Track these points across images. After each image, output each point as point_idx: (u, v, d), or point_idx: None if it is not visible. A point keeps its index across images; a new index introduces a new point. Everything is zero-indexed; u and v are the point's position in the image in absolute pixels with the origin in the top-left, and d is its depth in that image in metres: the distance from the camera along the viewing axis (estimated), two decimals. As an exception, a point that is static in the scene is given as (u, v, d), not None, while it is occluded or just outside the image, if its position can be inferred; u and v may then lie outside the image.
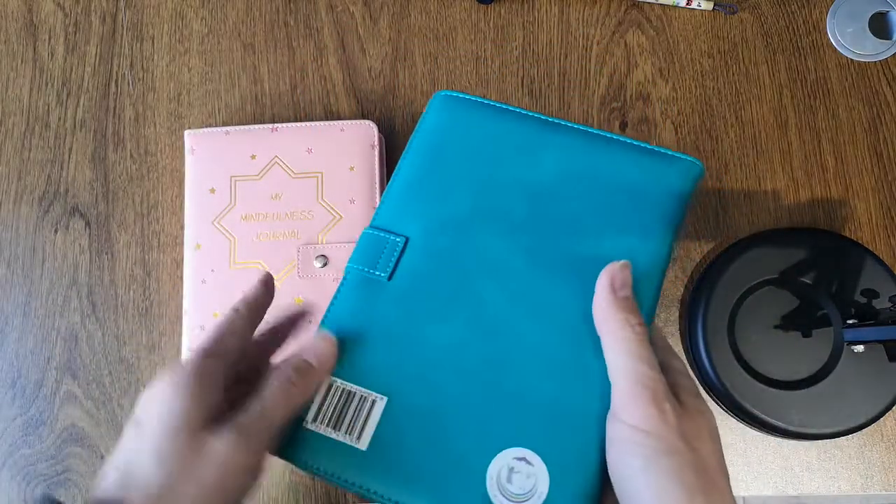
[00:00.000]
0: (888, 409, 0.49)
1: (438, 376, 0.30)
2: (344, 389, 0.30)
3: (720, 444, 0.29)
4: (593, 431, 0.28)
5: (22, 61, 0.58)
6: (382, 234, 0.33)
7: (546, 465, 0.28)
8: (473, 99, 0.37)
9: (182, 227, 0.55)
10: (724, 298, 0.51)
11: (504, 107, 0.37)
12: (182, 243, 0.55)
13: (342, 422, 0.29)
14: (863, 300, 0.51)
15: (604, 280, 0.30)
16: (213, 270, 0.51)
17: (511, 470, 0.28)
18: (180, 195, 0.56)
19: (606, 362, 0.29)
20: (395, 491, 0.28)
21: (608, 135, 0.35)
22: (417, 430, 0.29)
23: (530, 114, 0.36)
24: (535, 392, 0.29)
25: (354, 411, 0.29)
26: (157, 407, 0.28)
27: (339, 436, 0.29)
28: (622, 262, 0.31)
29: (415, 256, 0.33)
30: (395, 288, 0.32)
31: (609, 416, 0.29)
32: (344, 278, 0.33)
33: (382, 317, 0.31)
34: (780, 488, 0.51)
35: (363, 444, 0.29)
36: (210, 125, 0.57)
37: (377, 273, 0.32)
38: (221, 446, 0.28)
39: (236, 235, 0.52)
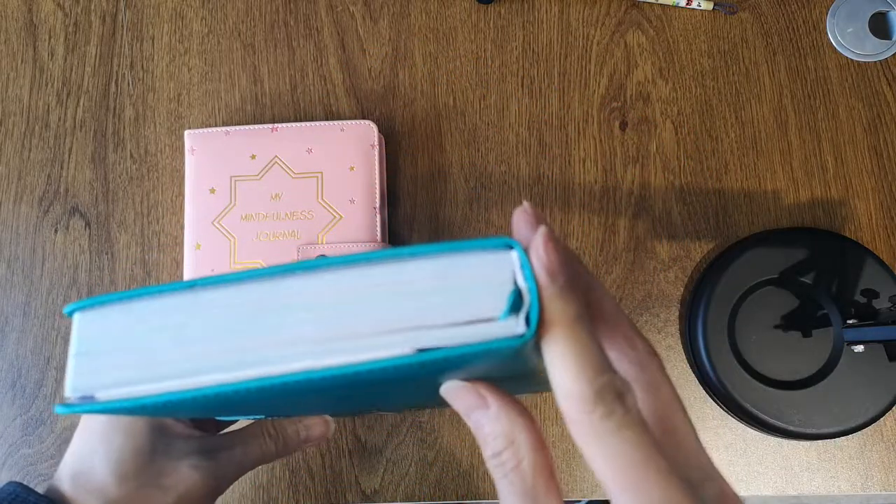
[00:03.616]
0: (888, 409, 0.49)
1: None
2: None
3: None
4: None
5: (22, 61, 0.58)
6: None
7: None
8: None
9: (182, 227, 0.55)
10: (724, 298, 0.51)
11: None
12: (182, 243, 0.55)
13: None
14: (863, 300, 0.51)
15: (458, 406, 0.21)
16: (213, 270, 0.51)
17: None
18: (180, 195, 0.56)
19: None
20: None
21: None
22: None
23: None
24: None
25: None
26: (123, 421, 0.29)
27: None
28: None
29: None
30: None
31: None
32: None
33: None
34: (780, 488, 0.51)
35: None
36: (210, 125, 0.57)
37: None
38: (188, 475, 0.28)
39: (236, 235, 0.52)
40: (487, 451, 0.20)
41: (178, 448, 0.29)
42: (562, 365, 0.18)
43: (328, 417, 0.31)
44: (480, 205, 0.55)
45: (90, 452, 0.29)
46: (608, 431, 0.18)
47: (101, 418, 0.29)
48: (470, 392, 0.21)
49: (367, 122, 0.53)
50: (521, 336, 0.18)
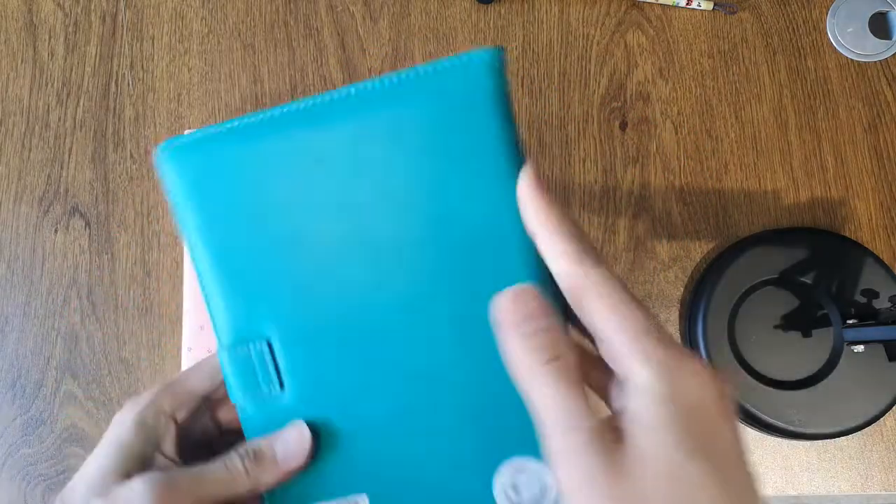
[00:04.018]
0: (888, 409, 0.49)
1: (401, 451, 0.26)
2: None
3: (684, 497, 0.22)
4: None
5: (22, 61, 0.58)
6: (240, 351, 0.27)
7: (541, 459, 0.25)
8: (203, 134, 0.28)
9: (182, 227, 0.55)
10: (724, 298, 0.51)
11: (242, 124, 0.28)
12: (182, 243, 0.55)
13: None
14: (863, 300, 0.51)
15: (499, 319, 0.24)
16: (213, 270, 0.51)
17: (514, 485, 0.26)
18: (180, 195, 0.56)
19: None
20: None
21: (372, 86, 0.26)
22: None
23: (278, 114, 0.27)
24: (492, 404, 0.26)
25: None
26: (99, 448, 0.27)
27: None
28: (513, 289, 0.24)
29: (287, 349, 0.27)
30: (293, 393, 0.27)
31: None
32: (242, 417, 0.28)
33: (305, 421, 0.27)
34: (780, 488, 0.51)
35: None
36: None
37: (266, 391, 0.27)
38: (135, 485, 0.25)
39: (236, 235, 0.51)
40: (546, 356, 0.22)
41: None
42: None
43: (304, 430, 0.27)
44: (480, 205, 0.55)
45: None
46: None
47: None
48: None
49: (367, 122, 0.53)
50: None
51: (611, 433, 0.21)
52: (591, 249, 0.23)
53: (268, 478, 0.27)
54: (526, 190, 0.24)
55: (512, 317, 0.23)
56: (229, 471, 0.27)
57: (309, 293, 0.27)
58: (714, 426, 0.21)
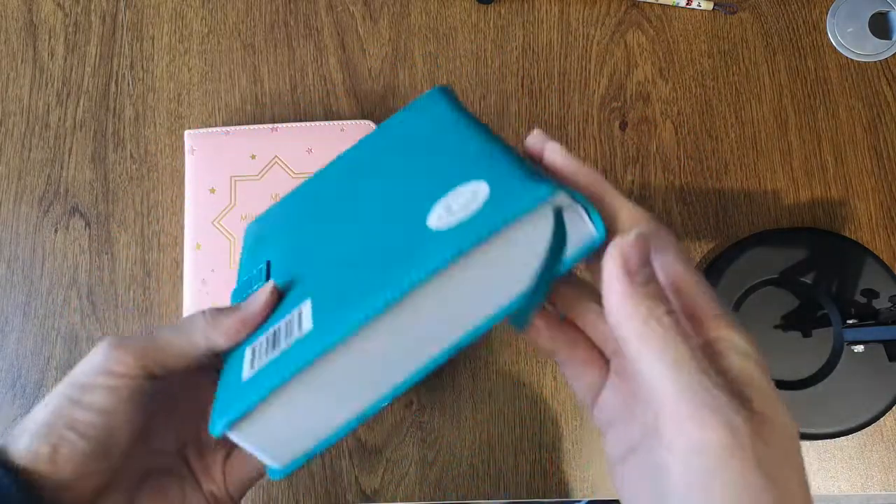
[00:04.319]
0: (888, 409, 0.49)
1: (323, 249, 0.31)
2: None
3: (804, 471, 0.22)
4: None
5: (22, 61, 0.58)
6: (248, 275, 0.35)
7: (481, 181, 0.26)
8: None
9: (182, 227, 0.55)
10: (724, 298, 0.51)
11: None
12: (182, 243, 0.55)
13: (278, 340, 0.27)
14: (863, 300, 0.51)
15: (612, 267, 0.22)
16: (213, 270, 0.51)
17: (448, 206, 0.26)
18: (180, 195, 0.56)
19: (641, 377, 0.22)
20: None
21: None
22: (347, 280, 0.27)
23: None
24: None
25: (286, 328, 0.27)
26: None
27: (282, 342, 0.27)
28: (634, 233, 0.22)
29: (276, 259, 0.34)
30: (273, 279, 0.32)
31: (643, 448, 0.23)
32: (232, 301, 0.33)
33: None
34: (780, 488, 0.51)
35: (308, 326, 0.26)
36: (210, 125, 0.57)
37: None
38: (94, 350, 0.29)
39: (236, 235, 0.52)
40: (664, 308, 0.22)
41: None
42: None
43: (271, 283, 0.30)
44: (480, 205, 0.55)
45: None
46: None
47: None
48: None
49: (367, 122, 0.53)
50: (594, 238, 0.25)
51: (738, 396, 0.21)
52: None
53: (221, 337, 0.29)
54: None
55: (632, 264, 0.22)
56: (187, 327, 0.29)
57: (298, 228, 0.35)
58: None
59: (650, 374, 0.21)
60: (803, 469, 0.21)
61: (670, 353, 0.21)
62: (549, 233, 0.24)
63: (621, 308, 0.22)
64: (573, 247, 0.25)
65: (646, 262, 0.22)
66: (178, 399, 0.33)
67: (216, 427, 0.25)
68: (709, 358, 0.22)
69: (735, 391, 0.21)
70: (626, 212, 0.25)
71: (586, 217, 0.25)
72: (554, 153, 0.27)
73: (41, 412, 0.28)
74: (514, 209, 0.23)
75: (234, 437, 0.26)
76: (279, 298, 0.30)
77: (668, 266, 0.23)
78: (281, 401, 0.25)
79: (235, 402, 0.25)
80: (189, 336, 0.29)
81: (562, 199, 0.24)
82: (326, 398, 0.26)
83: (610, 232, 0.25)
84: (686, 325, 0.23)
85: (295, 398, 0.25)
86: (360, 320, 0.24)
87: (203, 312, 0.30)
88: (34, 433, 0.27)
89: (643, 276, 0.22)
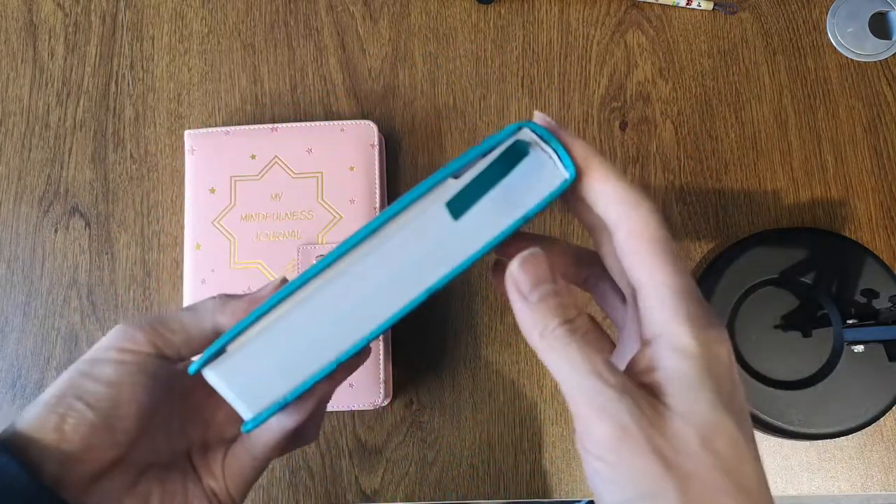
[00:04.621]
0: (888, 409, 0.49)
1: None
2: None
3: (729, 459, 0.22)
4: None
5: (22, 61, 0.58)
6: None
7: None
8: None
9: (182, 227, 0.55)
10: (724, 298, 0.51)
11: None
12: (182, 243, 0.55)
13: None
14: (863, 300, 0.51)
15: (508, 288, 0.25)
16: (213, 270, 0.51)
17: None
18: (180, 195, 0.56)
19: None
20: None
21: None
22: None
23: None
24: None
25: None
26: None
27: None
28: (524, 254, 0.25)
29: None
30: None
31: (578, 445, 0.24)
32: None
33: None
34: (780, 488, 0.51)
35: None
36: (210, 125, 0.57)
37: None
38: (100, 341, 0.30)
39: (236, 235, 0.52)
40: (557, 320, 0.24)
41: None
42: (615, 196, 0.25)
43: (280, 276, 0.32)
44: (480, 205, 0.55)
45: None
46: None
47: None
48: (542, 264, 0.25)
49: (367, 122, 0.53)
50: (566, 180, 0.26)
51: (637, 389, 0.23)
52: (649, 194, 0.26)
53: (227, 317, 0.31)
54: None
55: (522, 286, 0.25)
56: (199, 308, 0.31)
57: None
58: (734, 388, 0.23)
59: (556, 378, 0.24)
60: (725, 457, 0.22)
61: (564, 361, 0.23)
62: (500, 154, 0.26)
63: (521, 323, 0.25)
64: (546, 189, 0.26)
65: (542, 279, 0.24)
66: (185, 397, 0.34)
67: (193, 366, 0.28)
68: (638, 356, 0.24)
69: (640, 387, 0.23)
70: (596, 160, 0.26)
71: (557, 160, 0.26)
72: (537, 117, 0.28)
73: (52, 386, 0.29)
74: (487, 143, 0.26)
75: (207, 375, 0.27)
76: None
77: (639, 265, 0.24)
78: (252, 342, 0.27)
79: (213, 345, 0.28)
80: (198, 316, 0.31)
81: (525, 132, 0.26)
82: (296, 342, 0.27)
83: (583, 175, 0.26)
84: (593, 327, 0.27)
85: (266, 340, 0.27)
86: (325, 262, 0.26)
87: (214, 297, 0.32)
88: (44, 403, 0.28)
89: (538, 294, 0.24)
